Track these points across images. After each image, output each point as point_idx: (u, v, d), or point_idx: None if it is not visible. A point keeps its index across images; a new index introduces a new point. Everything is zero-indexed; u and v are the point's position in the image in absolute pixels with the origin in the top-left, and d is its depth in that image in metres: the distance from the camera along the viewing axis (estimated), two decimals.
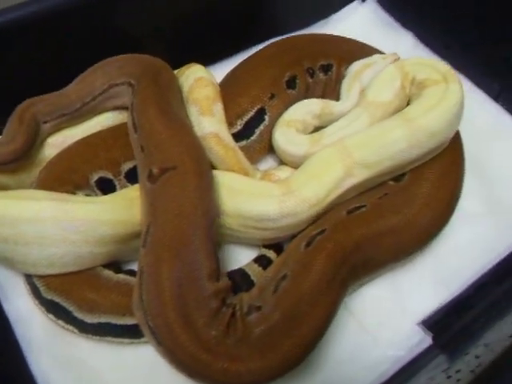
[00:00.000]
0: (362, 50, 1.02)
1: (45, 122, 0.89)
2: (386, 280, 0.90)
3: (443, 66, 0.91)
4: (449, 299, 0.89)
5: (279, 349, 0.70)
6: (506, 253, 0.93)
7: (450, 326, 0.85)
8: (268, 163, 1.02)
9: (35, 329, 0.82)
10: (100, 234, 0.76)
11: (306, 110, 0.96)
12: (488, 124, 1.07)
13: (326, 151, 0.86)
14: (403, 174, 0.89)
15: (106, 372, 0.79)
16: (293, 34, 1.12)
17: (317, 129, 0.96)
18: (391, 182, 0.89)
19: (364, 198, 0.88)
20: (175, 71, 0.96)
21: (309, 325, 0.73)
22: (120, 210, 0.79)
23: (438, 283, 0.90)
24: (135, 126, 0.83)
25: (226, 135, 0.88)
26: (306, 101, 0.98)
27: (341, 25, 1.17)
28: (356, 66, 0.97)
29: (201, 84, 0.90)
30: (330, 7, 1.20)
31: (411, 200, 0.85)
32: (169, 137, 0.80)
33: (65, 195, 0.79)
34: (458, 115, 0.88)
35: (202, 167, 0.79)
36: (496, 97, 1.09)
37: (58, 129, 0.92)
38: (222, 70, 1.02)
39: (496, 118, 1.09)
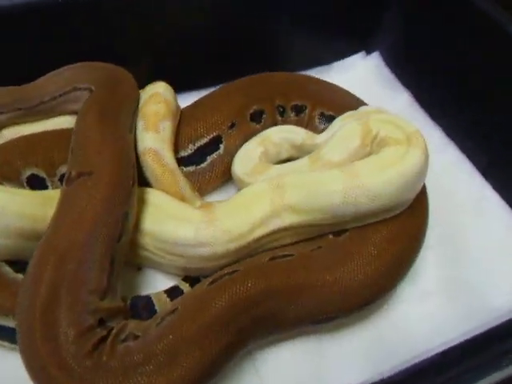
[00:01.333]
0: (342, 98, 0.97)
1: (0, 113, 0.89)
2: (308, 344, 0.80)
3: (410, 127, 0.81)
4: (373, 381, 0.77)
5: None
6: (455, 342, 0.81)
7: None
8: (222, 195, 0.96)
9: None
10: (5, 225, 0.73)
11: (287, 135, 0.92)
12: (471, 198, 0.98)
13: (260, 185, 0.80)
14: (345, 230, 0.81)
15: None
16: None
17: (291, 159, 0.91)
18: (330, 236, 0.81)
19: (296, 247, 0.80)
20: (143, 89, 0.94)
21: (184, 367, 0.64)
22: (32, 205, 0.76)
23: (366, 360, 0.80)
24: (74, 129, 0.81)
25: (167, 155, 0.84)
26: (290, 127, 0.94)
27: (341, 73, 1.14)
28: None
29: (154, 100, 0.88)
30: (334, 54, 1.17)
31: (345, 258, 0.76)
32: (97, 143, 0.77)
33: None
34: (414, 181, 0.77)
35: (119, 179, 0.74)
36: (484, 171, 0.99)
37: (14, 122, 0.92)
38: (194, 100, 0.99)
39: (480, 193, 0.99)
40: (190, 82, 1.01)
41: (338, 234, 0.81)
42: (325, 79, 1.04)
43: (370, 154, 0.83)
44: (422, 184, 0.81)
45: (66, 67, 0.92)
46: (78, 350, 0.63)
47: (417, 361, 0.79)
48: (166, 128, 0.86)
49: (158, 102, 0.87)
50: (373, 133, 0.82)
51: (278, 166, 0.88)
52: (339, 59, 1.17)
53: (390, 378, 0.77)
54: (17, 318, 0.66)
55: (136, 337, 0.68)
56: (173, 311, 0.70)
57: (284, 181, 0.79)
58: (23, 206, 0.75)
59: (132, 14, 0.99)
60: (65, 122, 0.93)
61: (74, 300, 0.65)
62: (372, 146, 0.83)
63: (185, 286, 0.81)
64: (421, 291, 0.87)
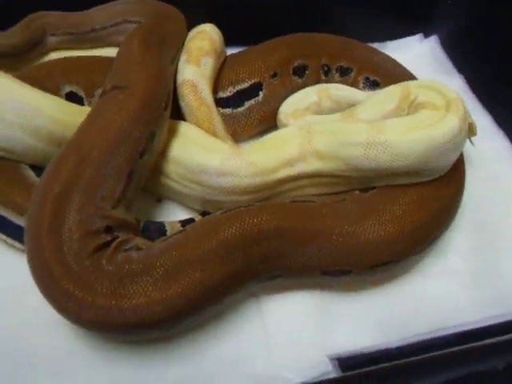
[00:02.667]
0: (390, 66, 0.94)
1: (52, 35, 0.92)
2: (316, 300, 0.76)
3: (452, 94, 0.76)
4: (379, 348, 0.73)
5: (134, 296, 0.60)
6: (470, 327, 0.75)
7: (367, 375, 0.70)
8: None
9: None
10: (37, 125, 0.74)
11: (347, 94, 0.89)
12: None
13: (290, 129, 0.79)
14: (373, 188, 0.77)
15: None
16: None
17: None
18: (357, 192, 0.78)
19: (319, 198, 0.77)
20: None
21: (182, 287, 0.62)
22: (66, 112, 0.77)
23: (375, 327, 0.75)
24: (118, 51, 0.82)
25: (205, 89, 0.83)
26: (352, 88, 0.91)
27: (395, 52, 1.08)
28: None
29: (199, 36, 0.88)
30: (391, 34, 1.13)
31: (367, 212, 0.72)
32: (137, 63, 0.77)
33: (25, 83, 0.77)
34: (445, 148, 0.72)
35: (152, 99, 0.74)
36: None
37: (63, 47, 0.94)
38: None
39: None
40: (238, 37, 0.99)
41: (364, 190, 0.77)
42: None
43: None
44: (457, 154, 0.76)
45: (120, 0, 0.93)
46: (80, 249, 0.62)
47: (429, 336, 0.74)
48: (208, 64, 0.85)
49: (203, 39, 0.87)
50: (411, 97, 0.79)
51: (314, 115, 0.86)
52: (392, 39, 1.14)
53: (397, 348, 0.74)
54: (28, 210, 0.65)
55: (139, 248, 0.66)
56: (181, 231, 0.68)
57: (314, 127, 0.77)
58: (58, 112, 0.76)
59: None
60: (111, 53, 0.93)
61: (86, 201, 0.65)
62: (409, 110, 0.79)
63: (198, 217, 0.79)
64: (446, 270, 0.81)
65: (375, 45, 1.11)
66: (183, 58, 0.85)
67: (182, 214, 0.83)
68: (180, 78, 0.83)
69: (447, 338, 0.74)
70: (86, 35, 0.92)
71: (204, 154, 0.75)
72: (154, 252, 0.65)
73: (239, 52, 0.95)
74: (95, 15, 0.92)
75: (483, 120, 1.00)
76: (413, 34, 1.15)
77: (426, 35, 1.15)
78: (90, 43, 0.94)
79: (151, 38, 0.82)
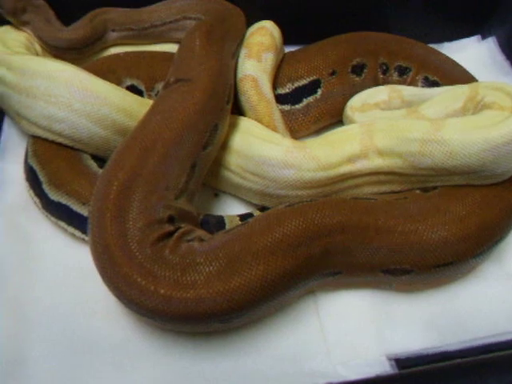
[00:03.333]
0: (450, 66, 0.93)
1: (113, 30, 0.93)
2: (375, 300, 0.75)
3: None
4: (438, 350, 0.72)
5: (197, 287, 0.61)
6: None
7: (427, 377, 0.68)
8: None
9: (9, 193, 0.82)
10: (103, 114, 0.75)
11: (420, 96, 0.88)
12: None
13: (352, 126, 0.78)
14: (435, 187, 0.76)
15: (43, 255, 0.77)
16: None
17: None
18: (417, 191, 0.77)
19: (381, 195, 0.76)
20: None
21: (245, 278, 0.62)
22: (131, 103, 0.78)
23: (433, 329, 0.73)
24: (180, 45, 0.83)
25: (265, 84, 0.83)
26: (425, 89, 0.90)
27: (452, 54, 1.07)
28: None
29: (260, 32, 0.88)
30: (448, 35, 1.12)
31: (430, 211, 0.71)
32: (201, 56, 0.78)
33: (93, 74, 0.79)
34: (503, 152, 0.69)
35: (215, 91, 0.74)
36: None
37: (122, 43, 0.95)
38: None
39: None
40: (294, 36, 0.99)
41: (426, 190, 0.76)
42: None
43: None
44: None
45: None
46: (143, 238, 0.63)
47: (485, 341, 0.73)
48: (268, 59, 0.85)
49: (264, 35, 0.87)
50: (478, 97, 0.78)
51: (380, 111, 0.85)
52: (452, 40, 1.13)
53: (455, 351, 0.72)
54: (92, 198, 0.66)
55: (201, 240, 0.66)
56: (243, 224, 0.68)
57: (374, 125, 0.77)
58: (123, 101, 0.77)
59: None
60: (169, 49, 0.94)
61: (150, 191, 0.65)
62: (474, 110, 0.78)
63: (256, 212, 0.79)
64: (505, 274, 0.79)
65: (432, 46, 1.10)
66: (243, 53, 0.86)
67: (239, 209, 0.83)
68: (240, 72, 0.84)
69: (505, 343, 0.73)
70: (146, 31, 0.93)
71: (266, 146, 0.76)
72: (216, 243, 0.65)
73: (298, 49, 0.95)
74: (155, 11, 0.93)
75: None
76: (470, 35, 1.13)
77: (484, 37, 1.13)
78: (149, 39, 0.95)
79: (213, 33, 0.82)
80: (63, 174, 0.75)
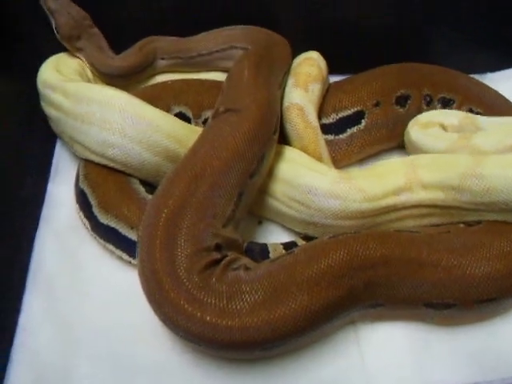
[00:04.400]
0: (494, 98, 0.95)
1: (162, 59, 0.97)
2: (417, 333, 0.76)
3: None
4: None
5: (242, 316, 0.62)
6: None
7: None
8: None
9: (60, 214, 0.87)
10: (154, 141, 0.79)
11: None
12: None
13: (396, 160, 0.82)
14: (479, 222, 0.77)
15: (92, 276, 0.80)
16: None
17: None
18: (461, 225, 0.78)
19: (423, 228, 0.78)
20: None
21: (287, 310, 0.63)
22: (181, 129, 0.82)
23: (475, 364, 0.74)
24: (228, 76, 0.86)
25: (312, 113, 0.86)
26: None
27: (494, 84, 1.09)
28: None
29: (307, 62, 0.91)
30: (489, 65, 1.13)
31: (473, 246, 0.72)
32: (250, 86, 0.81)
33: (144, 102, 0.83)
34: None
35: (263, 122, 0.77)
36: None
37: (169, 70, 0.99)
38: None
39: None
40: (338, 66, 1.02)
41: (470, 225, 0.77)
42: None
43: None
44: None
45: (226, 27, 0.98)
46: (191, 265, 0.65)
47: None
48: (315, 90, 0.88)
49: (311, 65, 0.90)
50: None
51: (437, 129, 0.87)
52: (495, 70, 1.14)
53: None
54: (142, 224, 0.69)
55: (247, 268, 0.68)
56: (288, 253, 0.70)
57: (419, 159, 0.80)
58: (174, 129, 0.81)
59: None
60: (216, 77, 0.98)
61: (199, 218, 0.68)
62: None
63: (300, 241, 0.81)
64: None
65: (475, 76, 1.11)
66: (291, 82, 0.89)
67: (282, 236, 0.85)
68: (287, 101, 0.86)
69: None
70: (193, 60, 0.97)
71: (313, 175, 0.78)
72: (262, 272, 0.67)
73: (342, 80, 0.98)
74: (202, 41, 0.97)
75: None
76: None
77: None
78: (196, 67, 0.99)
79: (261, 63, 0.86)
80: (113, 197, 0.79)
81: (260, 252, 0.78)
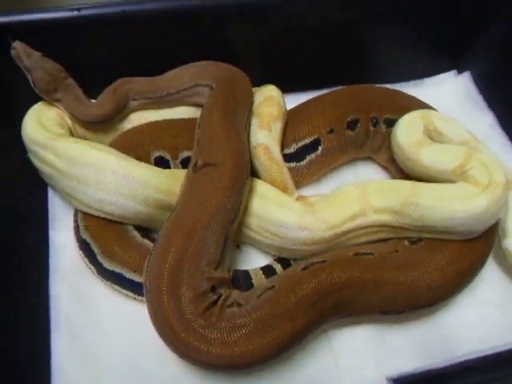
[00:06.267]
0: None
1: (133, 100, 1.08)
2: (374, 327, 0.97)
3: (499, 177, 0.92)
4: (427, 368, 0.94)
5: (240, 344, 0.81)
6: (503, 348, 0.96)
7: None
8: (313, 190, 1.14)
9: (66, 260, 1.01)
10: (146, 195, 0.92)
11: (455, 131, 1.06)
12: None
13: (349, 189, 0.98)
14: (421, 239, 0.97)
15: (106, 314, 0.96)
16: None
17: None
18: (406, 243, 0.97)
19: (376, 247, 0.97)
20: (255, 88, 1.12)
21: (275, 335, 0.83)
22: (167, 180, 0.95)
23: (423, 349, 0.96)
24: (199, 123, 0.99)
25: (276, 151, 1.01)
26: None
27: (431, 89, 1.26)
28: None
29: (268, 102, 1.05)
30: (425, 71, 1.29)
31: (416, 264, 0.92)
32: (221, 138, 0.94)
33: (128, 157, 0.96)
34: (465, 222, 0.89)
35: (239, 173, 0.92)
36: None
37: (140, 108, 1.11)
38: (298, 101, 1.16)
39: None
40: (290, 85, 1.16)
41: (413, 242, 0.97)
42: (413, 94, 1.17)
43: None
44: (487, 226, 0.93)
45: (191, 64, 1.09)
46: (195, 309, 0.82)
47: (465, 358, 0.95)
48: (277, 128, 1.03)
49: (272, 105, 1.04)
50: (467, 167, 0.96)
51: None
52: (429, 76, 1.30)
53: (440, 368, 0.95)
54: (148, 278, 0.85)
55: (239, 305, 0.86)
56: (271, 287, 0.88)
57: (368, 186, 0.98)
58: (161, 181, 0.94)
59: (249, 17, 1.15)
60: (184, 111, 1.11)
61: (195, 269, 0.84)
62: (458, 177, 0.97)
63: (277, 266, 1.00)
64: (477, 300, 1.02)
65: (414, 82, 1.29)
66: (255, 122, 1.03)
67: (259, 258, 1.04)
68: (254, 141, 1.01)
69: (481, 359, 0.96)
70: (163, 99, 1.09)
71: (283, 212, 0.95)
72: (252, 308, 0.85)
73: (298, 108, 1.12)
74: (170, 80, 1.08)
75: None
76: (447, 70, 1.31)
77: (460, 71, 1.30)
78: (166, 105, 1.11)
79: (229, 109, 0.99)
80: (114, 247, 0.94)
81: (244, 279, 0.96)
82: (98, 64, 1.10)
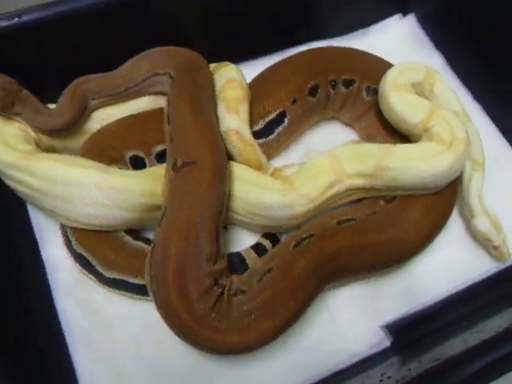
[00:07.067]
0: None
1: (93, 99, 1.07)
2: (365, 283, 1.07)
3: (460, 133, 0.99)
4: (414, 311, 1.04)
5: (253, 329, 0.89)
6: (477, 279, 1.07)
7: (410, 334, 1.02)
8: (283, 158, 1.20)
9: (64, 273, 1.04)
10: (131, 202, 0.95)
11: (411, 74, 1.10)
12: (490, 157, 1.14)
13: (321, 159, 1.04)
14: (394, 198, 1.04)
15: (117, 317, 1.02)
16: (329, 41, 1.28)
17: None
18: (382, 202, 1.05)
19: (355, 211, 1.04)
20: (211, 65, 1.12)
21: (282, 314, 0.91)
22: (149, 183, 0.98)
23: (410, 295, 1.07)
24: (168, 118, 1.00)
25: (247, 132, 1.05)
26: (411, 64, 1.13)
27: (378, 36, 1.30)
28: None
29: (231, 85, 1.06)
30: (370, 18, 1.32)
31: (395, 222, 1.01)
32: (195, 133, 0.96)
33: (106, 166, 0.98)
34: (432, 180, 0.97)
35: (219, 164, 0.96)
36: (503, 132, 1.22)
37: (102, 106, 1.10)
38: (253, 69, 1.17)
39: (500, 153, 1.21)
40: (242, 55, 1.19)
41: (388, 201, 1.05)
42: (363, 43, 1.22)
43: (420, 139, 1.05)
44: (451, 179, 1.01)
45: (145, 53, 1.08)
46: (205, 305, 0.89)
47: (447, 295, 1.06)
48: (244, 110, 1.05)
49: (235, 88, 1.05)
50: (430, 123, 1.02)
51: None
52: (376, 22, 1.33)
53: (421, 310, 1.04)
54: (154, 286, 0.89)
55: (243, 291, 0.93)
56: (269, 270, 0.95)
57: (340, 154, 1.03)
58: (143, 186, 0.97)
59: None
60: (147, 100, 1.12)
61: (196, 268, 0.90)
62: (425, 135, 1.03)
63: (266, 243, 1.07)
64: (453, 237, 1.13)
65: (362, 31, 1.31)
66: (222, 107, 1.04)
67: (246, 236, 1.10)
68: (224, 126, 1.03)
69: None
70: (123, 93, 1.08)
71: (264, 193, 0.99)
72: (255, 294, 0.92)
73: (259, 82, 1.14)
74: (127, 74, 1.07)
75: (462, 97, 1.23)
76: (391, 14, 1.34)
77: (405, 14, 1.34)
78: (127, 98, 1.10)
79: (194, 101, 1.00)
80: (111, 257, 0.97)
81: (239, 263, 1.03)
82: (49, 68, 1.09)
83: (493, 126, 1.23)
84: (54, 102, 1.07)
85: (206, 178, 0.93)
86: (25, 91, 1.02)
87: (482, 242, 1.10)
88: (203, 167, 0.94)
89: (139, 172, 1.01)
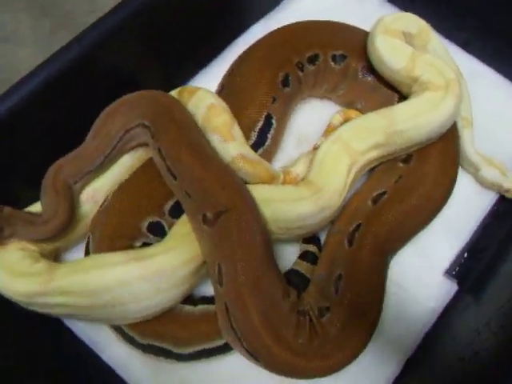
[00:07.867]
0: (344, 33, 1.14)
1: (75, 183, 0.97)
2: (411, 243, 1.08)
3: (450, 74, 1.01)
4: (462, 245, 1.12)
5: (353, 339, 0.91)
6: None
7: (470, 268, 1.09)
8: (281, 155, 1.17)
9: (137, 367, 1.00)
10: (180, 275, 0.91)
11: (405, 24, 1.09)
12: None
13: (329, 147, 1.02)
14: (410, 155, 1.06)
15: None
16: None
17: None
18: (401, 164, 1.06)
19: (382, 183, 1.05)
20: (172, 92, 1.05)
21: (371, 314, 0.94)
22: (184, 248, 0.92)
23: (450, 234, 1.12)
24: (172, 173, 0.93)
25: (250, 153, 1.00)
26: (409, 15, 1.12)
27: None
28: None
29: (215, 112, 0.99)
30: None
31: (423, 179, 1.03)
32: (212, 181, 0.91)
33: (135, 252, 0.91)
34: (443, 125, 1.01)
35: (249, 201, 0.92)
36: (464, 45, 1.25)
37: (86, 184, 1.01)
38: (204, 79, 1.15)
39: (468, 66, 1.24)
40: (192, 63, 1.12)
41: (405, 160, 1.06)
42: (294, 14, 1.21)
43: (411, 91, 1.06)
44: (458, 115, 1.06)
45: (106, 113, 0.98)
46: (303, 340, 0.88)
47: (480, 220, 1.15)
48: (237, 131, 1.00)
49: (220, 114, 0.99)
50: (417, 72, 1.03)
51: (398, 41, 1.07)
52: None
53: (470, 240, 1.13)
54: (246, 341, 0.87)
55: (326, 308, 0.93)
56: (339, 278, 0.96)
57: (344, 135, 1.02)
58: (182, 254, 0.91)
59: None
60: (128, 159, 1.04)
61: (279, 312, 0.88)
62: (414, 86, 1.04)
63: (311, 248, 1.06)
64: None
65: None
66: (216, 138, 0.98)
67: (284, 248, 1.08)
68: (228, 156, 0.97)
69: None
70: (103, 164, 0.98)
71: (297, 206, 0.96)
72: (341, 307, 0.93)
73: (230, 93, 1.08)
74: (99, 143, 0.97)
75: None
76: None
77: None
78: (108, 166, 1.02)
79: (190, 144, 0.93)
80: (183, 335, 0.93)
81: (299, 278, 1.02)
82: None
83: (451, 44, 1.27)
84: (30, 202, 0.98)
85: (248, 221, 0.89)
86: (6, 208, 0.91)
87: (494, 188, 1.15)
88: (239, 212, 0.89)
89: (168, 243, 0.94)
